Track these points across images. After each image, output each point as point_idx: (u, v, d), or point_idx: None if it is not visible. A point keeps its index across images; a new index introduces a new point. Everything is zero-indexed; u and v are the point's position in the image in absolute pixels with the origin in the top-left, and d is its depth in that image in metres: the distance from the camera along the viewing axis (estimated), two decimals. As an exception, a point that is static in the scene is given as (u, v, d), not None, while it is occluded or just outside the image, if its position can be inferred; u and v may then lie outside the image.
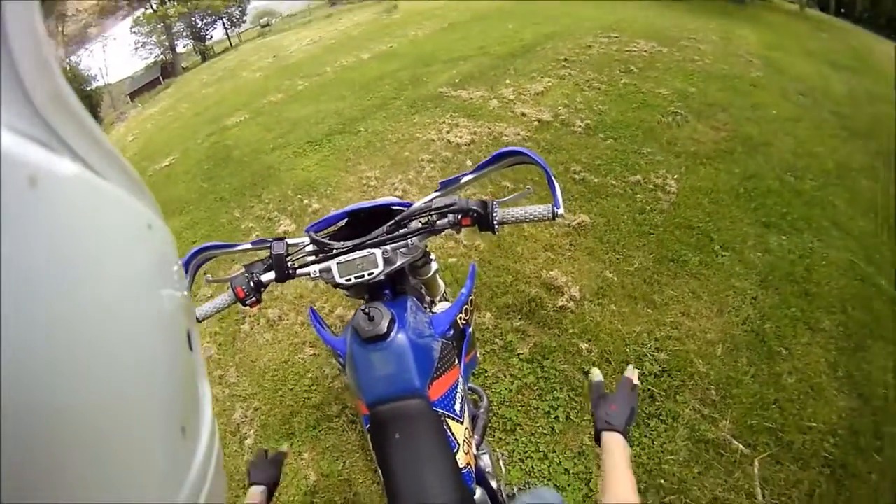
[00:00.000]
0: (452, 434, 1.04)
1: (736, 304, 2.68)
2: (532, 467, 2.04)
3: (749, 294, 2.75)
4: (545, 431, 2.13)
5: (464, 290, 1.24)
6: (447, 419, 1.04)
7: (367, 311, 0.98)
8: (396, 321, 1.00)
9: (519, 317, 2.59)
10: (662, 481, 1.98)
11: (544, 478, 2.02)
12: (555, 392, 2.25)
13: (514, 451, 2.09)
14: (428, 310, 1.28)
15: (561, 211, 1.02)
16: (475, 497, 1.15)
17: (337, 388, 2.47)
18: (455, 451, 1.03)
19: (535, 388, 2.28)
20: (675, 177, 3.66)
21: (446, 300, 1.66)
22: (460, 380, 1.14)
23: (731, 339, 2.50)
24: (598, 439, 0.94)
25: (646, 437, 2.12)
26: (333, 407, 2.39)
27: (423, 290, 1.48)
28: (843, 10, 21.71)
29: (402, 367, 0.99)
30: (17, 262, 0.19)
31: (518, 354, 2.41)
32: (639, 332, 2.49)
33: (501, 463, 1.94)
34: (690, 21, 9.14)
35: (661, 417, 2.18)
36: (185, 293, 0.37)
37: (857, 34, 15.04)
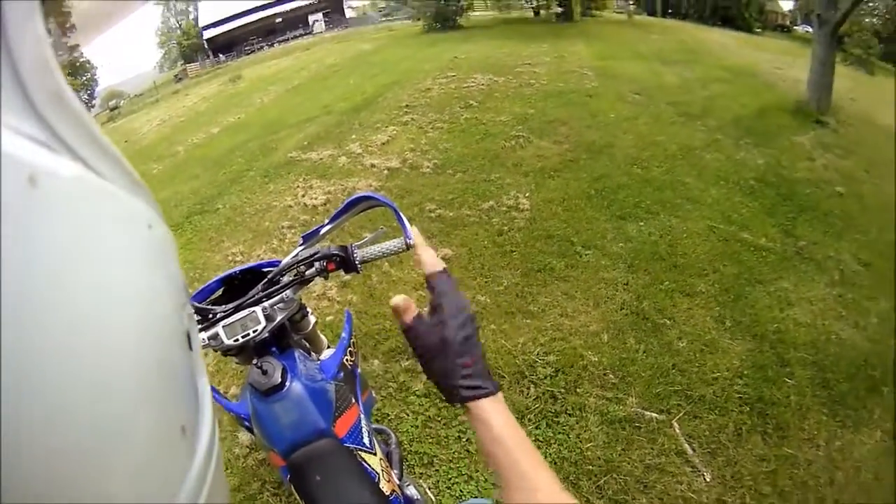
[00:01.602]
0: (369, 465, 1.21)
1: (609, 293, 3.18)
2: (460, 491, 2.25)
3: (620, 281, 3.28)
4: (462, 455, 2.36)
5: (344, 335, 1.47)
6: (360, 452, 1.21)
7: (259, 365, 1.14)
8: (289, 371, 1.16)
9: (406, 357, 2.85)
10: (590, 467, 2.24)
11: (475, 496, 2.22)
12: (459, 417, 2.51)
13: (438, 481, 2.30)
14: (315, 357, 1.49)
15: (412, 241, 1.10)
16: None
17: (251, 466, 2.56)
18: (376, 480, 1.20)
19: (439, 418, 2.52)
20: (527, 194, 4.27)
21: (328, 349, 1.89)
22: (361, 416, 1.32)
23: (614, 325, 2.95)
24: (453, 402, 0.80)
25: (560, 433, 2.39)
26: (253, 485, 2.48)
27: (306, 345, 1.65)
28: (669, 11, 25.57)
29: (304, 412, 1.14)
30: (17, 262, 0.20)
31: (414, 392, 2.66)
32: (523, 342, 2.85)
33: (430, 493, 2.18)
34: (524, 48, 10.54)
35: (568, 412, 2.48)
36: (185, 293, 0.41)
37: (685, 29, 17.87)
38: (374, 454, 1.26)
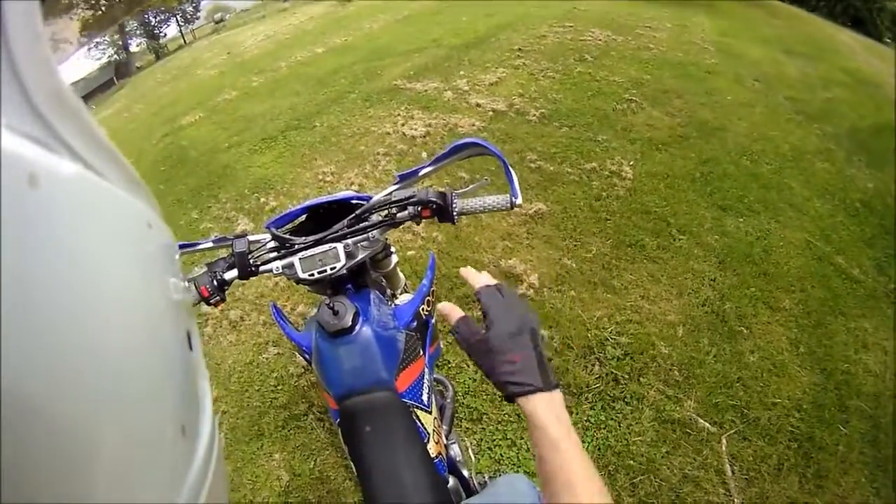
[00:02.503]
0: (422, 424, 1.13)
1: (695, 286, 2.93)
2: (501, 455, 2.18)
3: (707, 276, 3.01)
4: (511, 419, 2.28)
5: (425, 282, 1.33)
6: (416, 410, 1.13)
7: (331, 305, 1.05)
8: (360, 314, 1.07)
9: (479, 307, 2.68)
10: (631, 462, 2.14)
11: (513, 465, 2.16)
12: None
13: (481, 439, 2.24)
14: (390, 302, 1.36)
15: (519, 201, 1.08)
16: (448, 485, 1.24)
17: (303, 387, 2.59)
18: (426, 440, 1.12)
19: None
20: (631, 163, 3.93)
21: (407, 293, 1.76)
22: (426, 370, 1.23)
23: (692, 320, 2.74)
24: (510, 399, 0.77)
25: (612, 419, 2.28)
26: (300, 405, 2.50)
27: (384, 284, 1.56)
28: (797, -1, 23.31)
29: (368, 360, 1.06)
30: (17, 262, 0.20)
31: None
32: (599, 316, 2.68)
33: (471, 452, 2.09)
34: (645, 10, 9.67)
35: (625, 400, 2.35)
36: (185, 292, 0.40)
37: (811, 21, 16.15)
38: (430, 412, 1.18)
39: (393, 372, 1.10)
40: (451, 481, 1.33)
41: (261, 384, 2.71)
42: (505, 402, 2.28)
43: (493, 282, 0.85)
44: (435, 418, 1.20)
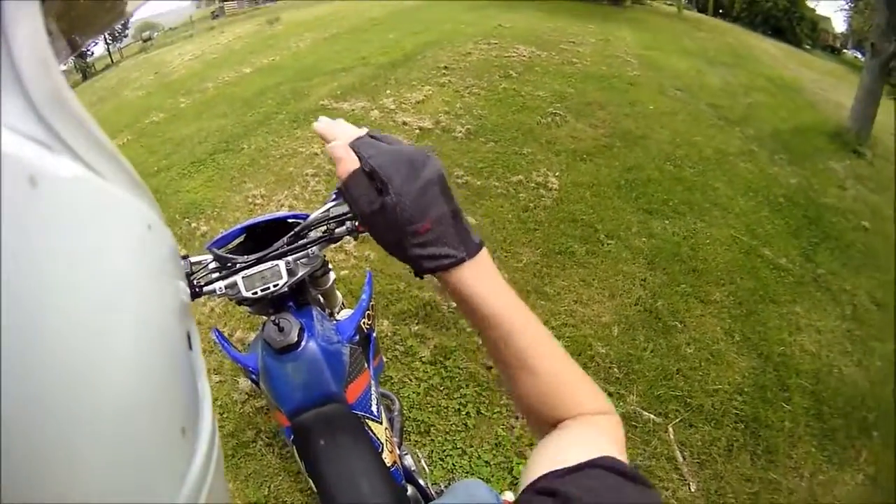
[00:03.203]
0: (374, 434, 1.19)
1: (626, 287, 3.14)
2: (453, 464, 2.26)
3: (638, 276, 3.23)
4: (459, 428, 2.37)
5: (364, 297, 1.42)
6: (367, 420, 1.19)
7: (276, 321, 1.10)
8: (305, 330, 1.13)
9: (416, 321, 2.85)
10: None
11: (466, 472, 2.24)
12: (462, 389, 2.52)
13: (432, 451, 2.31)
14: (332, 318, 1.45)
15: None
16: (407, 493, 1.30)
17: (248, 413, 2.60)
18: (380, 450, 1.18)
19: (442, 388, 2.54)
20: (557, 174, 4.18)
21: (344, 307, 1.85)
22: (372, 382, 1.30)
23: (626, 319, 2.92)
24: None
25: None
26: (248, 432, 2.51)
27: (322, 302, 1.62)
28: (720, 11, 24.96)
29: (316, 374, 1.12)
30: (17, 262, 0.20)
31: (420, 358, 2.65)
32: None
33: (423, 463, 2.15)
34: (569, 25, 10.27)
35: None
36: (185, 293, 0.41)
37: (734, 32, 17.46)
38: (381, 423, 1.24)
39: (341, 384, 1.16)
40: (410, 490, 1.38)
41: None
42: (451, 413, 2.41)
43: (361, 131, 0.65)
44: (386, 429, 1.27)
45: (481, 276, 0.60)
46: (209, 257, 1.21)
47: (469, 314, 0.62)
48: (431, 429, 2.37)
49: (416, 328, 2.79)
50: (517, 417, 2.41)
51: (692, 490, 2.19)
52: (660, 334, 2.86)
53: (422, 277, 0.63)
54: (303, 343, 1.12)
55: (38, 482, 0.22)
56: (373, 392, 1.27)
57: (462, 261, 0.58)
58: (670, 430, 2.39)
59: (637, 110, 5.72)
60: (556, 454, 0.54)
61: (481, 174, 4.17)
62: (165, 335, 0.33)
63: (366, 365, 1.31)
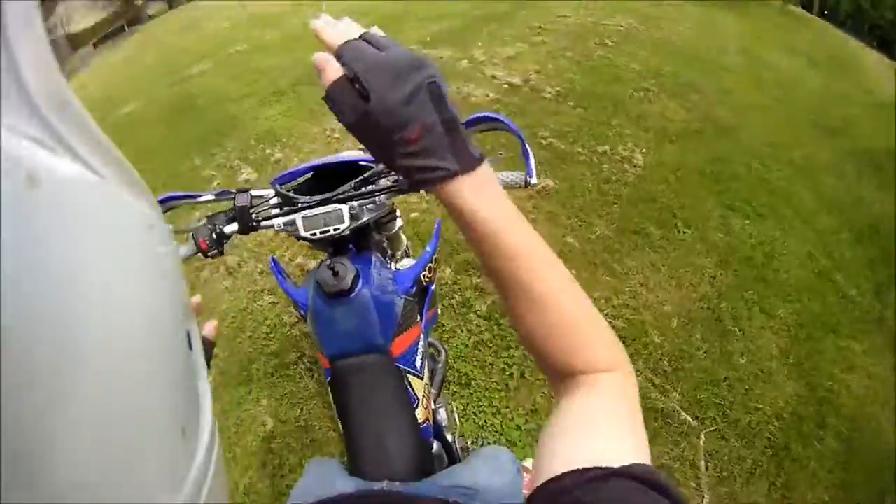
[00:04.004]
0: (413, 389, 1.17)
1: (694, 280, 3.02)
2: (485, 422, 2.25)
3: (708, 272, 3.10)
4: (499, 387, 2.36)
5: (428, 248, 1.38)
6: (408, 375, 1.17)
7: (331, 265, 1.07)
8: (361, 277, 1.10)
9: (478, 274, 2.81)
10: None
11: (496, 432, 2.22)
12: (511, 350, 2.48)
13: (468, 404, 2.30)
14: (391, 265, 1.40)
15: (534, 180, 1.08)
16: (432, 450, 1.28)
17: (295, 336, 2.66)
18: (415, 406, 1.16)
19: (492, 344, 2.51)
20: (643, 150, 4.00)
21: (408, 255, 1.82)
22: (421, 336, 1.26)
23: (687, 313, 2.83)
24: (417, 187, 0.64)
25: None
26: (291, 354, 2.59)
27: (385, 245, 1.60)
28: (826, 13, 23.44)
29: (365, 323, 1.10)
30: (17, 262, 0.20)
31: (476, 311, 2.63)
32: (597, 297, 2.76)
33: (456, 416, 2.11)
34: (672, 3, 9.65)
35: None
36: (185, 293, 0.41)
37: (838, 36, 16.28)
38: (421, 378, 1.22)
39: (388, 336, 1.13)
40: (435, 446, 1.36)
41: (253, 331, 2.78)
42: (494, 371, 2.40)
43: (359, 31, 0.59)
44: (426, 384, 1.24)
45: (479, 193, 0.56)
46: (271, 192, 1.20)
47: (468, 234, 0.58)
48: (472, 382, 2.37)
49: (478, 281, 2.77)
50: None
51: (704, 503, 2.15)
52: (717, 337, 2.76)
53: (418, 191, 0.62)
54: (356, 290, 1.09)
55: (38, 482, 0.22)
56: (420, 346, 1.25)
57: (455, 174, 0.55)
58: (702, 436, 2.33)
59: (732, 99, 5.41)
60: (577, 443, 0.51)
61: (566, 138, 4.03)
62: (166, 335, 0.34)
63: (418, 318, 1.28)
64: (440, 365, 1.62)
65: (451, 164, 0.54)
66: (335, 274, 1.07)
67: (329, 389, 1.18)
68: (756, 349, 2.78)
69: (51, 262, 0.23)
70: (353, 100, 0.54)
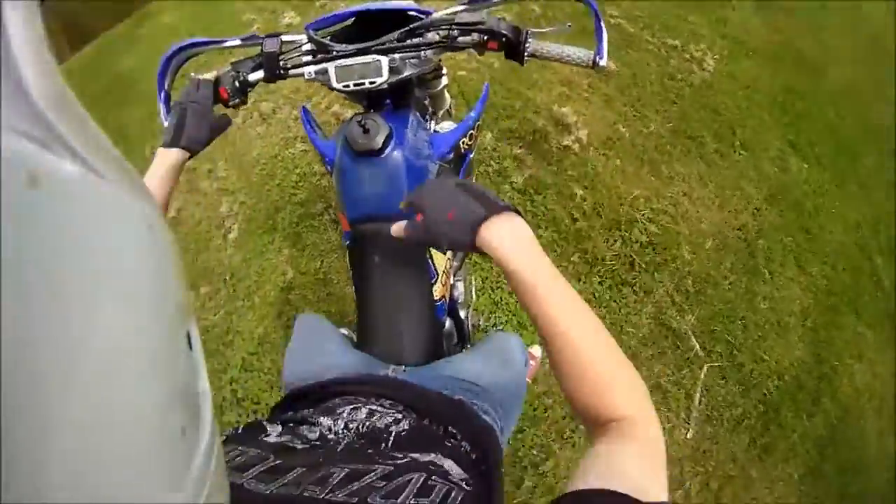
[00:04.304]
0: (433, 265, 1.10)
1: (738, 207, 2.72)
2: (501, 298, 2.23)
3: (753, 203, 2.78)
4: None
5: (472, 114, 1.24)
6: (430, 248, 1.09)
7: (362, 122, 0.99)
8: (394, 137, 1.01)
9: (520, 144, 2.66)
10: None
11: (510, 312, 2.20)
12: (540, 230, 2.39)
13: (486, 278, 2.27)
14: (429, 125, 1.29)
15: (603, 62, 1.00)
16: (444, 328, 1.22)
17: (324, 187, 2.66)
18: (433, 281, 1.10)
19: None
20: (716, 56, 3.53)
21: (450, 115, 1.70)
22: None
23: (723, 238, 2.58)
24: (475, 249, 0.72)
25: (615, 301, 2.29)
26: (318, 205, 2.60)
27: (426, 103, 1.48)
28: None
29: (393, 188, 1.02)
30: (17, 262, 0.20)
31: (511, 182, 2.51)
32: (637, 195, 2.56)
33: (474, 290, 2.03)
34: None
35: (634, 288, 2.34)
36: (184, 294, 0.38)
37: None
38: (444, 253, 1.15)
39: None
40: (448, 324, 1.32)
41: (282, 178, 2.76)
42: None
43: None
44: (448, 259, 1.17)
45: (511, 233, 0.68)
46: (304, 38, 1.12)
47: (510, 282, 0.68)
48: None
49: (518, 151, 2.63)
50: (580, 280, 2.32)
51: (687, 436, 2.15)
52: (746, 272, 2.55)
53: (472, 251, 0.72)
54: (387, 151, 1.01)
55: (37, 483, 0.22)
56: None
57: (485, 218, 0.68)
58: (705, 369, 2.27)
59: (823, 37, 4.76)
60: (611, 469, 0.54)
61: (637, 23, 3.58)
62: (166, 335, 0.32)
63: None
64: None
65: (478, 214, 0.69)
66: (365, 131, 0.99)
67: (347, 254, 1.14)
68: (780, 299, 2.57)
69: (51, 262, 0.22)
70: (417, 224, 0.79)
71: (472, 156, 1.33)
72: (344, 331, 1.22)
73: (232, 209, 2.73)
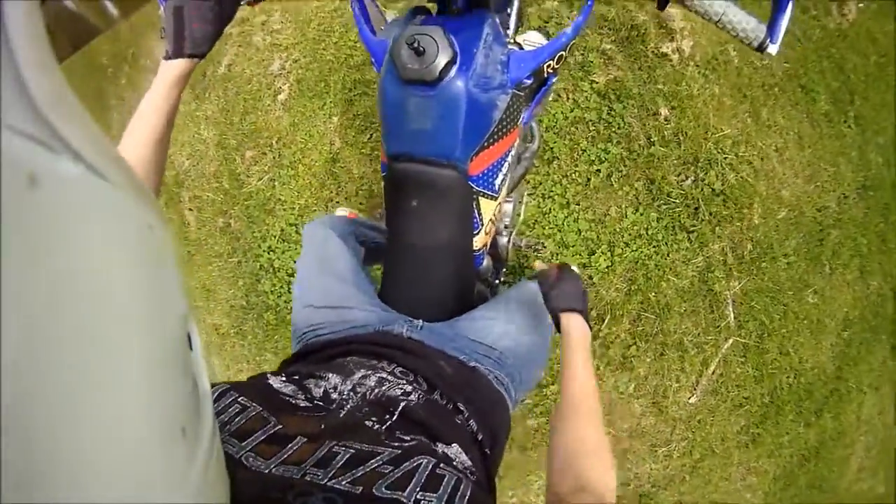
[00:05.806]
0: (479, 214, 0.97)
1: (827, 186, 2.37)
2: (549, 210, 2.11)
3: (844, 188, 2.41)
4: (580, 180, 2.14)
5: (568, 31, 0.94)
6: (480, 197, 0.95)
7: (414, 41, 0.75)
8: (458, 61, 0.78)
9: (612, 38, 2.27)
10: (651, 296, 2.10)
11: (555, 227, 2.10)
12: (610, 144, 2.15)
13: (540, 184, 2.13)
14: (511, 37, 1.01)
15: (774, 49, 0.82)
16: (481, 267, 1.12)
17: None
18: (476, 232, 0.99)
19: (593, 128, 2.17)
20: (860, 5, 2.96)
21: (533, 31, 1.51)
22: (513, 147, 1.01)
23: (799, 214, 2.29)
24: (557, 324, 0.90)
25: (665, 245, 2.14)
26: (374, 71, 2.34)
27: (510, 11, 1.14)
28: None
29: (446, 128, 0.83)
30: (17, 263, 0.20)
31: (592, 81, 2.21)
32: (726, 134, 2.23)
33: (523, 211, 1.89)
34: None
35: (690, 236, 2.16)
36: (184, 293, 0.37)
37: None
38: (495, 199, 1.00)
39: (471, 150, 0.88)
40: (486, 262, 1.21)
41: (339, 37, 2.52)
42: (582, 160, 2.18)
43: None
44: (499, 203, 1.03)
45: (583, 328, 0.87)
46: None
47: (565, 350, 0.84)
48: (555, 162, 2.14)
49: (608, 46, 2.25)
50: (636, 210, 2.15)
51: (690, 401, 2.15)
52: (808, 259, 2.29)
53: (557, 328, 0.91)
54: (445, 80, 0.78)
55: (37, 483, 0.22)
56: (507, 160, 0.99)
57: (580, 310, 0.89)
58: (730, 342, 2.16)
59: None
60: None
61: None
62: (166, 335, 0.32)
63: (519, 120, 0.99)
64: (528, 154, 1.34)
65: (579, 306, 0.90)
66: (418, 53, 0.76)
67: (384, 186, 1.00)
68: (829, 299, 2.33)
69: (51, 262, 0.22)
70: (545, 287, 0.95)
71: (554, 80, 1.06)
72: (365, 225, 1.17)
73: (284, 67, 2.59)
